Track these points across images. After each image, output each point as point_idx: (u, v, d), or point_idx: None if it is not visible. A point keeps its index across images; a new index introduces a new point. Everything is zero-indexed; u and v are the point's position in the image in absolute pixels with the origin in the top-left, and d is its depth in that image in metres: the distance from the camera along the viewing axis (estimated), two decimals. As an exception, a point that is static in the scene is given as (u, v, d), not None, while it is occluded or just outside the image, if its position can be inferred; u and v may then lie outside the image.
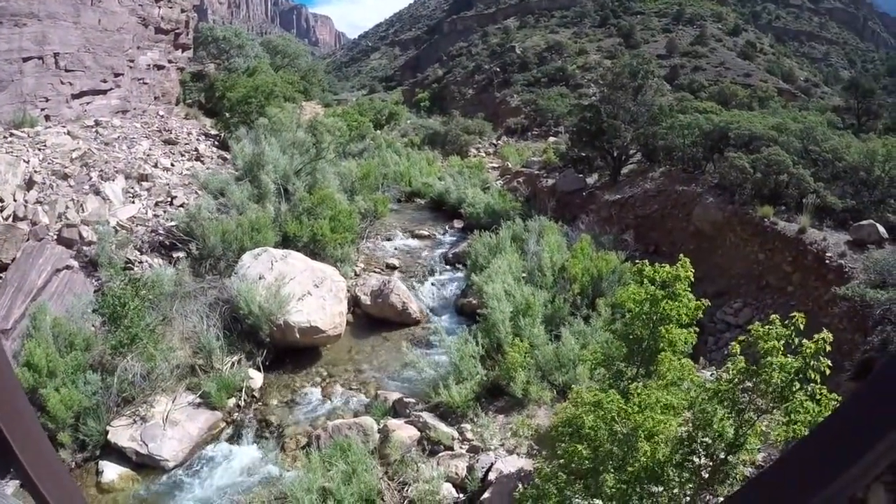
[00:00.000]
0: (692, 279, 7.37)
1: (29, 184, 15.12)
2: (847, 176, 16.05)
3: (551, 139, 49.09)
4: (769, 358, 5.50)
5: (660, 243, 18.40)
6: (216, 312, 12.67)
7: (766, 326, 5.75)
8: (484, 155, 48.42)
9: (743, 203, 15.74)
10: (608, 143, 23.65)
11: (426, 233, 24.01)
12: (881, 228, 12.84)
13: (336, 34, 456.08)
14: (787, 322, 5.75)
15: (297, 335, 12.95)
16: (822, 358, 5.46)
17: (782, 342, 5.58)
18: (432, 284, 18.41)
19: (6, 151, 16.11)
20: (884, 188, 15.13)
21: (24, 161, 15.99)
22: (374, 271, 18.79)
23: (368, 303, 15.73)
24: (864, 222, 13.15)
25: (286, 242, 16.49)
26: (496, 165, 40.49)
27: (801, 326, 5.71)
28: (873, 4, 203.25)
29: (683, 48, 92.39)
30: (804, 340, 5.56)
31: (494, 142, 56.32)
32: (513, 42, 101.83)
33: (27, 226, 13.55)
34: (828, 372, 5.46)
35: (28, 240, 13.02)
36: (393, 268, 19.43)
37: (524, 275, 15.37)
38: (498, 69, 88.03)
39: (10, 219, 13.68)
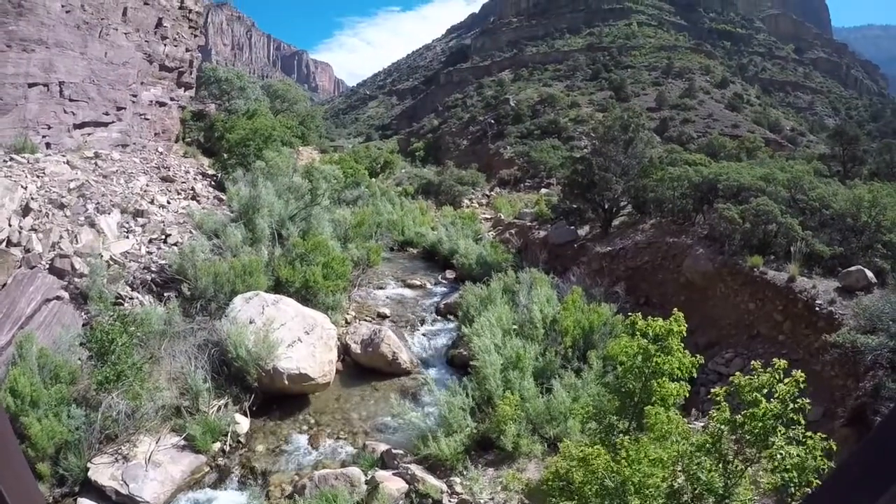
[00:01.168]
0: (685, 333, 7.41)
1: (25, 210, 15.06)
2: (834, 223, 16.27)
3: (543, 191, 49.55)
4: (751, 409, 5.53)
5: (651, 295, 18.44)
6: (205, 354, 12.51)
7: (748, 377, 5.78)
8: (477, 206, 48.75)
9: (732, 253, 15.87)
10: (599, 196, 23.87)
11: (418, 282, 23.97)
12: (869, 274, 12.94)
13: (335, 81, 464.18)
14: (769, 369, 5.78)
15: (286, 382, 12.81)
16: (799, 399, 5.48)
17: (765, 391, 5.61)
18: (423, 335, 18.31)
19: (5, 175, 16.09)
20: (871, 234, 15.30)
21: (23, 187, 15.97)
22: (366, 320, 18.66)
23: (359, 351, 15.61)
24: (853, 268, 13.25)
25: (278, 287, 16.43)
26: (489, 216, 40.78)
27: (782, 372, 5.74)
28: (855, 53, 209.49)
29: (673, 101, 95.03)
30: (778, 385, 5.59)
31: (487, 193, 56.75)
32: (507, 94, 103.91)
33: (20, 252, 13.48)
34: (808, 409, 5.47)
35: (20, 267, 12.95)
36: (384, 317, 19.31)
37: (515, 327, 15.29)
38: (492, 121, 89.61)
39: (4, 243, 13.61)
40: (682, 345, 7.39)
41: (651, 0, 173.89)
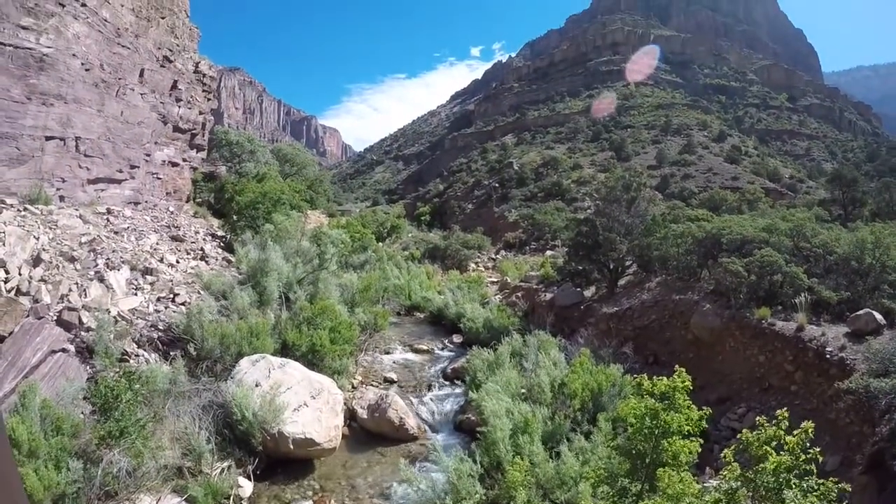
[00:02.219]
0: (692, 388, 7.35)
1: (36, 260, 15.09)
2: (839, 268, 16.30)
3: (549, 253, 49.67)
4: (763, 464, 5.44)
5: (659, 353, 18.26)
6: (209, 415, 12.37)
7: (755, 432, 5.71)
8: (483, 269, 48.83)
9: (740, 307, 15.81)
10: (604, 256, 23.94)
11: (425, 347, 23.81)
12: (878, 316, 12.86)
13: (343, 146, 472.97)
14: (774, 421, 5.72)
15: (291, 446, 12.63)
16: (811, 449, 5.40)
17: (774, 444, 5.53)
18: (431, 400, 18.04)
19: (18, 225, 16.17)
20: (876, 275, 15.32)
21: (35, 237, 16.02)
22: (372, 385, 18.52)
23: (365, 417, 15.42)
24: (861, 312, 13.18)
25: (285, 350, 16.35)
26: (495, 280, 40.72)
27: (787, 423, 5.68)
28: (847, 95, 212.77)
29: (672, 157, 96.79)
30: (787, 437, 5.52)
31: (493, 256, 56.96)
32: (510, 158, 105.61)
33: (29, 302, 13.44)
34: (821, 458, 5.38)
35: (28, 316, 12.88)
36: (391, 382, 19.14)
37: (523, 391, 15.16)
38: (496, 185, 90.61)
39: (13, 292, 13.57)
40: (690, 401, 7.32)
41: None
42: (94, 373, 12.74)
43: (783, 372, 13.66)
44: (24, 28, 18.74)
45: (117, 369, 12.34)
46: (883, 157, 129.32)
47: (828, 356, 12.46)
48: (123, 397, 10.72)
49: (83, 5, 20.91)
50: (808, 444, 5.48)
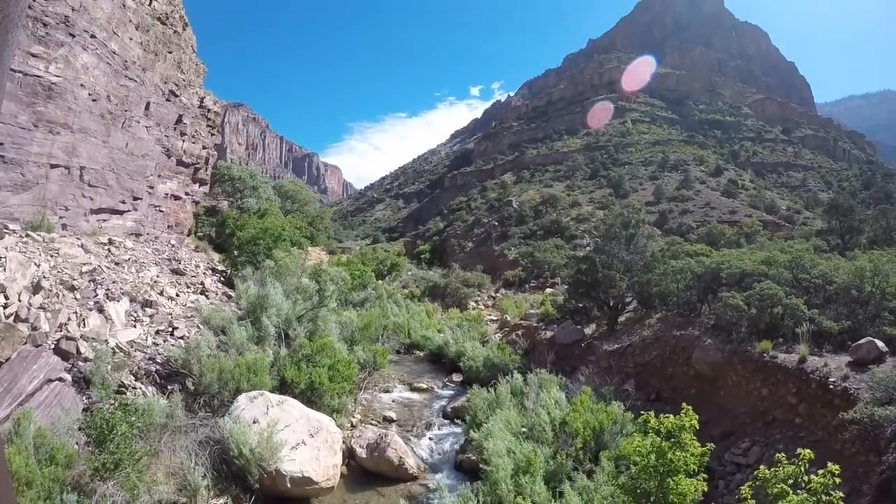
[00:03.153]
0: (697, 426, 7.26)
1: (36, 287, 15.00)
2: (839, 297, 16.28)
3: (548, 291, 49.66)
4: (779, 502, 5.34)
5: (661, 390, 18.11)
6: (206, 451, 12.21)
7: (773, 468, 5.60)
8: (483, 307, 48.75)
9: (741, 341, 15.71)
10: (604, 293, 23.92)
11: (425, 386, 23.66)
12: (880, 344, 12.79)
13: (344, 184, 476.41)
14: (793, 459, 5.62)
15: (289, 485, 12.42)
16: (832, 492, 5.29)
17: (791, 482, 5.43)
18: (430, 439, 17.86)
19: (20, 251, 16.13)
20: (877, 303, 15.29)
21: (36, 264, 15.98)
22: (371, 423, 18.29)
23: (364, 456, 15.19)
24: (863, 341, 13.11)
25: (283, 388, 16.21)
26: (495, 318, 40.65)
27: (808, 463, 5.57)
28: (840, 125, 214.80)
29: (670, 193, 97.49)
30: (811, 476, 5.41)
31: (493, 294, 56.86)
32: (510, 196, 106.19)
33: (27, 329, 13.34)
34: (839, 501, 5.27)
35: (26, 343, 12.78)
36: (390, 421, 18.92)
37: (524, 430, 14.99)
38: (496, 223, 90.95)
39: (12, 318, 13.46)
40: (695, 438, 7.23)
41: (643, 98, 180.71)
42: (91, 403, 12.61)
43: (787, 404, 13.52)
44: (33, 56, 18.99)
45: (113, 401, 12.24)
46: (878, 185, 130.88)
47: (831, 387, 12.37)
48: (119, 429, 10.57)
49: (92, 36, 21.23)
50: (832, 486, 5.37)
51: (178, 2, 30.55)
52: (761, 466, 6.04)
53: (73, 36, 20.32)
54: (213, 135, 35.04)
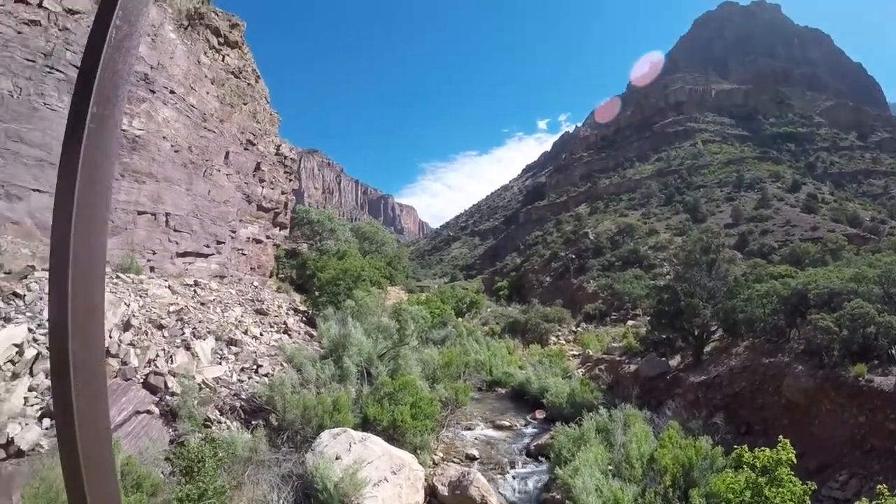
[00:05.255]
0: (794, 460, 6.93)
1: (126, 325, 15.81)
2: None
3: (630, 323, 48.73)
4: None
5: (752, 422, 17.33)
6: (288, 485, 12.44)
7: (874, 502, 5.29)
8: (564, 342, 48.00)
9: (833, 365, 14.93)
10: (688, 323, 23.19)
11: (507, 423, 23.28)
12: None
13: (419, 223, 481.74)
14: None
15: (371, 522, 12.48)
16: None
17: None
18: (513, 477, 17.49)
19: (111, 291, 17.10)
20: None
21: (126, 304, 16.85)
22: (453, 461, 18.14)
23: (446, 494, 15.05)
24: None
25: (366, 425, 16.35)
26: (577, 353, 39.97)
27: None
28: None
29: (748, 213, 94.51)
30: None
31: (574, 328, 55.94)
32: (585, 228, 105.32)
33: (118, 364, 14.09)
34: None
35: (116, 377, 13.51)
36: (473, 458, 18.70)
37: (611, 468, 14.61)
38: (573, 255, 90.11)
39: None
40: (792, 472, 6.88)
41: (711, 117, 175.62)
42: (177, 436, 13.09)
43: (886, 431, 12.74)
44: None
45: (200, 434, 12.66)
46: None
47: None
48: (207, 462, 10.91)
49: (171, 92, 22.56)
50: None
51: (249, 56, 32.17)
52: (862, 499, 5.70)
53: (154, 92, 21.70)
54: (290, 180, 36.35)
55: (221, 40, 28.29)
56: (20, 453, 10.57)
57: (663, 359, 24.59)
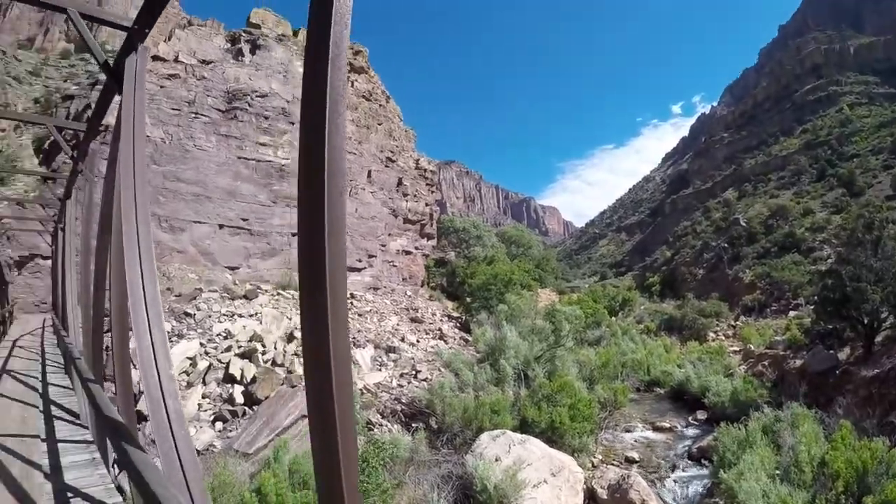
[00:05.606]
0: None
1: (289, 337, 17.43)
2: None
3: (792, 314, 46.01)
4: None
5: (936, 420, 16.04)
6: (448, 485, 13.07)
7: None
8: (723, 338, 46.14)
9: None
10: (856, 311, 21.60)
11: (667, 424, 22.84)
12: None
13: (564, 223, 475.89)
14: None
15: (531, 522, 12.84)
16: None
17: None
18: (675, 481, 17.18)
19: (273, 307, 18.85)
20: None
21: (287, 318, 18.53)
22: (613, 464, 18.12)
23: (605, 497, 15.09)
24: None
25: (524, 427, 16.80)
26: (737, 349, 38.28)
27: None
28: None
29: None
30: None
31: (732, 323, 53.31)
32: (735, 214, 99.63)
33: (283, 372, 15.63)
34: None
35: (283, 384, 14.98)
36: (632, 461, 18.57)
37: (778, 472, 14.09)
38: (725, 245, 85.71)
39: (270, 363, 15.84)
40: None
41: (854, 77, 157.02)
42: (342, 440, 14.16)
43: None
44: (262, 145, 22.57)
45: (364, 437, 13.67)
46: None
47: None
48: (371, 462, 11.76)
49: (309, 122, 24.55)
50: None
51: (377, 79, 33.87)
52: None
53: (293, 123, 23.70)
54: (432, 192, 37.73)
55: (348, 67, 29.95)
56: (196, 453, 12.10)
57: (831, 351, 23.10)
